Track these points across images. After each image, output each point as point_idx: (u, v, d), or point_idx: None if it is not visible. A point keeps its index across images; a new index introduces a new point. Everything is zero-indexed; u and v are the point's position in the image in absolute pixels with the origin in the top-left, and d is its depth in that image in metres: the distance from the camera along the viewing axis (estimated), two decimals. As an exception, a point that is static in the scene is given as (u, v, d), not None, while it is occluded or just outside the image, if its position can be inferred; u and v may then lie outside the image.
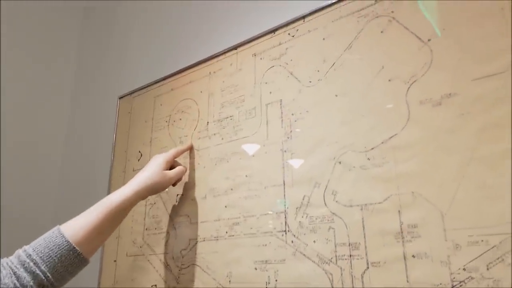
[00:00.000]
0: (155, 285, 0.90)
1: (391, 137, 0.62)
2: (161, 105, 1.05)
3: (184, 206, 0.89)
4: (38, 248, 0.61)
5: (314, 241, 0.67)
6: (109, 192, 1.10)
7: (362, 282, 0.60)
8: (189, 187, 0.89)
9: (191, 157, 0.92)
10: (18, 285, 0.57)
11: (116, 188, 1.08)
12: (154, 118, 1.05)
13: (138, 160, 1.06)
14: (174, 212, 0.91)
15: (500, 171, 0.52)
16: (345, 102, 0.69)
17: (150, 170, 0.78)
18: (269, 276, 0.70)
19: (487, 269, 0.50)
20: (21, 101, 1.32)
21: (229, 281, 0.76)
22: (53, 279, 0.59)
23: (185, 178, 0.91)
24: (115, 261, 1.01)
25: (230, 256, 0.78)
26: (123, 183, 1.05)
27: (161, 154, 0.82)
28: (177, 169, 0.84)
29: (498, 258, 0.49)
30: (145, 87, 1.12)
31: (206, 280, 0.80)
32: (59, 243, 0.61)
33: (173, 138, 0.98)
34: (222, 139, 0.87)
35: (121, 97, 1.19)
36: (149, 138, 1.05)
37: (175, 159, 0.87)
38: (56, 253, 0.60)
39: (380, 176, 0.62)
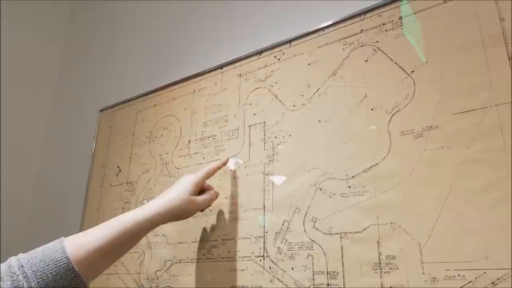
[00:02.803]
0: (128, 308, 0.87)
1: (372, 166, 0.62)
2: (143, 120, 1.03)
3: (161, 226, 0.87)
4: (33, 260, 0.51)
5: (292, 268, 0.66)
6: (84, 207, 1.07)
7: (339, 313, 0.59)
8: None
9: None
10: None
11: (91, 203, 1.06)
12: (135, 134, 1.04)
13: (117, 175, 1.03)
14: (151, 231, 0.88)
15: (477, 205, 0.52)
16: (328, 128, 0.69)
17: (176, 193, 0.66)
18: (245, 304, 0.69)
19: (463, 304, 0.50)
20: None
21: (204, 306, 0.74)
22: None
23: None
24: (86, 279, 0.97)
25: (207, 279, 0.76)
26: (100, 198, 1.04)
27: (191, 175, 0.71)
28: (208, 195, 0.72)
29: (474, 294, 0.50)
30: (127, 101, 1.10)
31: (181, 304, 0.78)
32: (58, 259, 0.52)
33: (153, 155, 0.97)
34: (204, 158, 0.86)
35: (102, 110, 1.17)
36: (129, 154, 1.03)
37: (208, 183, 0.75)
38: (52, 269, 0.51)
39: (360, 205, 0.62)
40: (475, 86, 0.56)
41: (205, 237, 0.79)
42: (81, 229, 1.06)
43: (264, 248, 0.70)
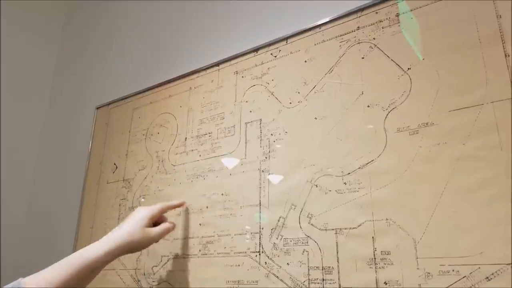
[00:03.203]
0: (124, 303, 0.87)
1: (368, 162, 0.63)
2: (139, 117, 1.03)
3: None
4: None
5: (288, 263, 0.66)
6: (81, 204, 1.07)
7: (334, 308, 0.59)
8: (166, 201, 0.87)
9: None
10: None
11: (88, 200, 1.06)
12: (131, 131, 1.03)
13: (113, 172, 1.03)
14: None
15: (472, 202, 0.53)
16: (324, 125, 0.69)
17: (130, 226, 0.68)
18: (240, 299, 0.69)
19: (457, 299, 0.50)
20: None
21: (200, 302, 0.74)
22: None
23: (161, 196, 0.90)
24: (82, 276, 0.97)
25: (203, 275, 0.76)
26: (97, 195, 1.04)
27: (146, 208, 0.72)
28: (162, 226, 0.72)
29: (468, 289, 0.50)
30: (123, 99, 1.10)
31: (176, 300, 0.78)
32: None
33: (149, 152, 0.96)
34: (200, 155, 0.86)
35: (98, 107, 1.17)
36: (125, 151, 1.02)
37: (163, 214, 0.76)
38: None
39: (356, 201, 0.62)
40: (471, 83, 0.57)
41: (201, 233, 0.79)
42: (78, 227, 1.05)
43: (260, 244, 0.70)
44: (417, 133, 0.59)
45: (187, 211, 0.83)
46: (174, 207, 0.79)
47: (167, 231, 0.73)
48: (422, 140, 0.58)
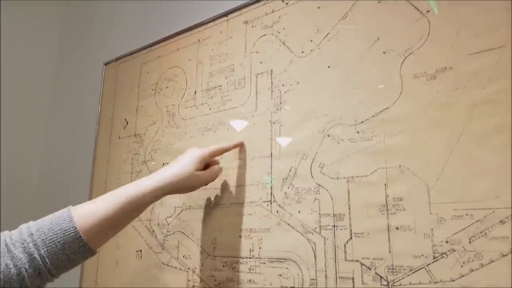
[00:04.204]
0: (140, 251, 0.89)
1: (382, 110, 0.61)
2: (147, 72, 1.02)
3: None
4: (42, 228, 0.53)
5: (299, 212, 0.66)
6: (93, 162, 1.08)
7: (345, 251, 0.60)
8: (176, 156, 0.87)
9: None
10: (11, 265, 0.49)
11: (100, 156, 1.07)
12: (141, 86, 1.02)
13: (124, 128, 1.03)
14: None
15: (489, 146, 0.51)
16: (338, 74, 0.68)
17: (181, 167, 0.66)
18: (253, 244, 0.71)
19: (470, 242, 0.50)
20: (2, 65, 1.27)
21: (214, 247, 0.76)
22: (52, 266, 0.52)
23: (173, 149, 0.90)
24: (98, 229, 1.00)
25: (215, 223, 0.77)
26: (109, 151, 1.04)
27: (198, 150, 0.70)
28: (211, 170, 0.72)
29: (481, 232, 0.50)
30: (131, 54, 1.08)
31: (191, 247, 0.80)
32: (65, 228, 0.53)
33: (159, 106, 0.96)
34: (210, 109, 0.85)
35: (106, 63, 1.16)
36: (135, 106, 1.02)
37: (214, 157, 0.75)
38: (60, 238, 0.53)
39: (368, 150, 0.61)
40: (493, 23, 0.54)
41: (213, 184, 0.79)
42: (92, 182, 1.07)
43: (271, 193, 0.71)
44: (434, 78, 0.57)
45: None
46: (229, 149, 0.76)
47: (216, 175, 0.73)
48: (440, 85, 0.57)
